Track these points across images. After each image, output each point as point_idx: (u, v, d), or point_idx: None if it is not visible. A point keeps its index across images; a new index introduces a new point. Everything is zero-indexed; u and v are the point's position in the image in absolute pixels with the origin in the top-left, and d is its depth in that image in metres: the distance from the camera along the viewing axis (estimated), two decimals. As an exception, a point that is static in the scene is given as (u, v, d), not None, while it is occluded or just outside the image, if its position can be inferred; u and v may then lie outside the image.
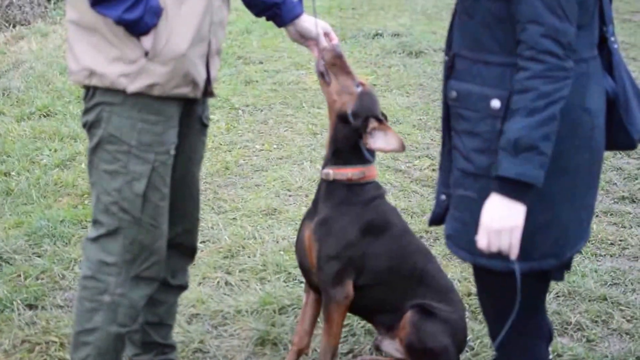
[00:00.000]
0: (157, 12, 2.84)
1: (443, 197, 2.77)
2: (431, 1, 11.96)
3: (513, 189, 2.46)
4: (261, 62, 8.56)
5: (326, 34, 3.40)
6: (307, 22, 3.37)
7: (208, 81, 3.07)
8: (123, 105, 2.94)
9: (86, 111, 3.01)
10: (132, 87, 2.89)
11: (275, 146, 6.50)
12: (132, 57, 2.87)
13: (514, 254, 2.48)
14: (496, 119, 2.53)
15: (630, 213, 5.32)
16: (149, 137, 2.96)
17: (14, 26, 10.34)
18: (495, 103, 2.53)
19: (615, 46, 2.73)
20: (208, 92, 3.11)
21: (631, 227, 5.12)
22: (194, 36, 2.91)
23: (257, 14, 3.37)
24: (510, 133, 2.44)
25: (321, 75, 3.35)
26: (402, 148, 3.30)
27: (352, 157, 3.34)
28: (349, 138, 3.32)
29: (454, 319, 3.41)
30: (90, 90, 2.97)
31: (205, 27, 2.96)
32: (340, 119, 3.32)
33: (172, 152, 3.03)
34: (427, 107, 7.41)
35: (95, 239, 3.07)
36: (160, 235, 3.10)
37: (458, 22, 2.70)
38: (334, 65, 3.33)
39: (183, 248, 3.39)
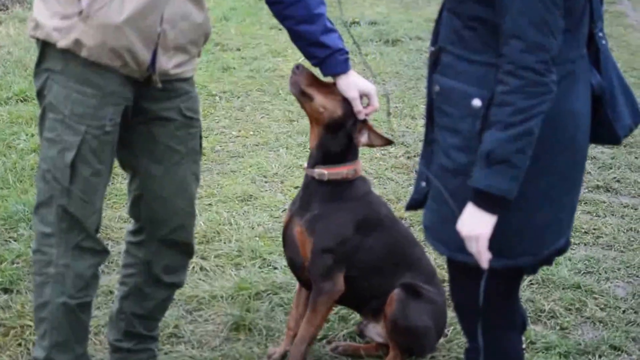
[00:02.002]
0: None
1: (423, 184, 2.78)
2: (408, -11, 11.99)
3: (483, 199, 2.48)
4: (238, 49, 8.55)
5: (367, 96, 3.37)
6: (347, 82, 3.35)
7: (153, 70, 3.04)
8: (62, 74, 2.97)
9: (35, 75, 3.08)
10: (62, 42, 2.92)
11: (251, 133, 6.51)
12: (68, 13, 2.91)
13: (482, 260, 2.51)
14: (476, 118, 2.54)
15: (604, 202, 5.37)
16: (81, 108, 2.99)
17: (-8, 11, 10.31)
18: (477, 102, 2.53)
19: (604, 42, 2.73)
20: (152, 80, 3.07)
21: (605, 216, 5.17)
22: (132, 14, 2.91)
23: (306, 58, 3.40)
24: (485, 144, 2.45)
25: (302, 94, 3.36)
26: (391, 142, 3.47)
27: (343, 155, 3.39)
28: (340, 140, 3.36)
29: (438, 302, 3.47)
30: (39, 50, 3.03)
31: (152, 12, 2.94)
32: (330, 127, 3.35)
33: (109, 128, 3.04)
34: (403, 95, 7.43)
35: (35, 209, 3.12)
36: (92, 211, 3.10)
37: (445, 17, 2.69)
38: (311, 85, 3.35)
39: (177, 245, 3.38)
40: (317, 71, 3.38)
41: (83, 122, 2.98)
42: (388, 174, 5.74)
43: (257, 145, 6.26)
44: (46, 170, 3.04)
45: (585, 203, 5.31)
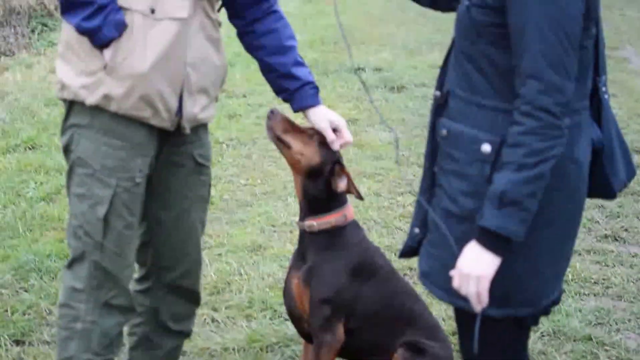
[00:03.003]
0: (119, 26, 2.90)
1: (417, 230, 2.78)
2: (412, 36, 12.00)
3: (490, 240, 2.47)
4: (244, 96, 8.58)
5: (337, 128, 3.36)
6: (318, 114, 3.36)
7: (180, 116, 3.08)
8: (90, 128, 3.00)
9: (62, 132, 3.10)
10: (90, 99, 2.96)
11: (259, 181, 6.51)
12: (93, 69, 2.94)
13: (482, 302, 2.51)
14: (486, 163, 2.54)
15: (613, 252, 5.34)
16: (112, 161, 3.01)
17: (-1, 57, 10.36)
18: (486, 147, 2.54)
19: (606, 96, 2.75)
20: (181, 127, 3.11)
21: (614, 266, 5.15)
22: (157, 60, 2.94)
23: (275, 92, 3.41)
24: (498, 185, 2.45)
25: (278, 140, 3.34)
26: (361, 198, 3.44)
27: (329, 203, 3.37)
28: (322, 187, 3.34)
29: (443, 356, 3.44)
30: (65, 108, 3.06)
31: (175, 56, 2.98)
32: (310, 174, 3.34)
33: (139, 180, 3.07)
34: (409, 142, 7.43)
35: (68, 265, 3.13)
36: (126, 265, 3.12)
37: (454, 60, 2.70)
38: (286, 131, 3.34)
39: (184, 291, 3.39)
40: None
41: (114, 175, 3.01)
42: (396, 223, 5.73)
43: (265, 193, 6.26)
44: (77, 227, 3.05)
45: (594, 253, 5.29)
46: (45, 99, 8.22)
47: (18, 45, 10.86)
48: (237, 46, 3.42)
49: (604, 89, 2.73)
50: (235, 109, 8.27)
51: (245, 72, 9.15)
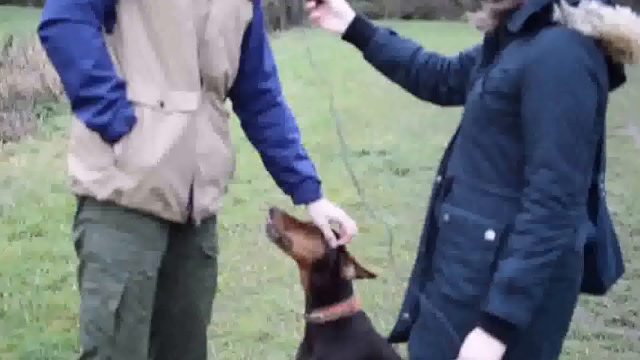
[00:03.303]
0: (129, 121, 2.93)
1: (406, 315, 2.79)
2: (416, 118, 12.06)
3: (497, 327, 2.48)
4: (249, 181, 8.60)
5: (337, 223, 3.39)
6: (317, 209, 3.39)
7: (191, 208, 3.09)
8: (102, 223, 3.01)
9: (74, 227, 3.10)
10: (101, 193, 2.97)
11: (265, 267, 6.49)
12: (104, 164, 2.96)
13: None
14: (489, 250, 2.56)
15: (622, 336, 5.32)
16: (123, 255, 3.01)
17: (4, 142, 10.38)
18: (490, 234, 2.56)
19: (604, 194, 2.78)
20: (191, 219, 3.13)
21: (624, 351, 5.13)
22: (167, 153, 2.97)
23: (277, 184, 3.47)
24: (505, 272, 2.46)
25: (279, 240, 3.34)
26: (374, 275, 3.40)
27: (336, 294, 3.35)
28: (328, 278, 3.32)
29: None
30: (77, 203, 3.08)
31: (185, 149, 3.01)
32: (316, 267, 3.32)
33: (150, 273, 3.07)
34: (415, 227, 7.37)
35: None
36: (139, 359, 3.10)
37: (461, 146, 2.74)
38: (288, 228, 3.34)
39: None
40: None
41: (125, 269, 3.01)
42: (404, 309, 5.67)
43: (271, 280, 6.23)
44: (89, 322, 3.04)
45: (603, 337, 5.27)
46: (51, 185, 8.25)
47: (23, 130, 10.91)
48: (241, 130, 3.45)
49: (602, 185, 2.77)
50: (241, 194, 8.28)
51: (251, 157, 8.84)
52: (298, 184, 3.39)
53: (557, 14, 2.53)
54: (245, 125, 3.42)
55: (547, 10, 2.55)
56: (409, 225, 7.45)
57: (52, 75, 12.05)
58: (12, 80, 12.20)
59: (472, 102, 2.71)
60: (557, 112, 2.47)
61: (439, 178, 2.82)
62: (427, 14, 43.21)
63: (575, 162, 2.48)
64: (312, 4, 3.14)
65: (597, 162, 2.72)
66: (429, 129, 11.44)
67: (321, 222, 3.34)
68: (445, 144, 2.85)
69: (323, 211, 3.37)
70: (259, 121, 3.38)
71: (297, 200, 3.42)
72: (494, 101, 2.60)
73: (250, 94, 3.37)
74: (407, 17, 43.04)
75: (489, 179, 2.62)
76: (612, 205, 7.78)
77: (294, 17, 31.50)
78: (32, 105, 11.94)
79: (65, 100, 11.67)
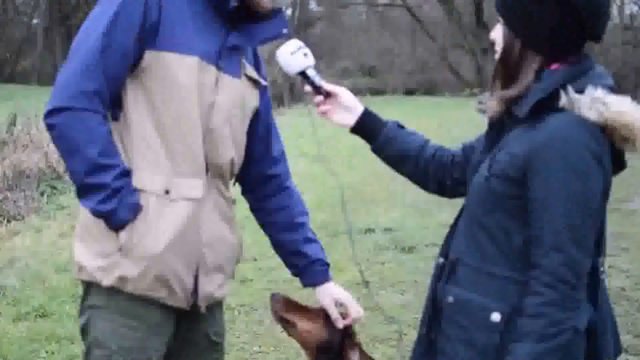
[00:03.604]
0: (134, 208, 2.91)
1: None
2: (422, 195, 11.82)
3: None
4: (255, 259, 8.56)
5: (343, 305, 3.38)
6: (324, 292, 3.39)
7: (196, 295, 3.08)
8: (107, 310, 2.98)
9: (80, 313, 3.08)
10: (106, 280, 2.94)
11: (272, 348, 6.42)
12: (109, 251, 2.94)
13: None
14: (494, 332, 2.57)
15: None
16: (129, 342, 2.98)
17: (9, 221, 10.38)
18: (496, 316, 2.58)
19: (603, 277, 2.78)
20: (197, 306, 3.11)
21: None
22: (172, 241, 2.95)
23: (286, 266, 3.47)
24: (518, 356, 2.47)
25: (282, 320, 3.33)
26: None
27: None
28: None
29: None
30: (83, 289, 3.06)
31: (190, 236, 3.00)
32: (320, 350, 3.30)
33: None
34: (422, 305, 7.35)
35: None
36: None
37: (465, 228, 2.75)
38: (290, 311, 3.33)
39: None
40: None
41: (130, 356, 2.98)
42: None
43: (278, 361, 6.13)
44: None
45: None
46: (56, 265, 8.22)
47: (27, 209, 10.91)
48: (246, 209, 3.44)
49: (601, 269, 2.77)
50: (246, 273, 8.23)
51: (256, 235, 8.91)
52: (306, 267, 3.40)
53: (563, 100, 2.58)
54: (254, 209, 3.44)
55: (554, 96, 2.60)
56: (417, 303, 7.38)
57: (56, 154, 12.07)
58: (16, 159, 12.25)
59: (478, 185, 2.73)
60: (566, 196, 2.50)
61: (441, 260, 2.85)
62: (430, 89, 43.56)
63: (584, 245, 2.51)
64: (320, 97, 3.16)
65: (598, 246, 2.73)
66: (434, 206, 11.42)
67: (327, 303, 3.33)
68: (451, 221, 2.88)
69: (330, 293, 3.36)
70: (268, 206, 3.40)
71: (305, 283, 3.43)
72: (499, 184, 2.63)
73: (259, 179, 3.39)
74: (409, 92, 43.39)
75: (494, 261, 2.64)
76: (619, 281, 7.77)
77: (298, 94, 31.73)
78: (36, 184, 11.96)
79: (69, 178, 11.69)
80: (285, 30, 3.21)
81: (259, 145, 3.36)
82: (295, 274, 3.46)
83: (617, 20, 45.55)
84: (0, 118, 14.75)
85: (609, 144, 2.61)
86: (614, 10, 44.88)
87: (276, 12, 3.21)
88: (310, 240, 3.42)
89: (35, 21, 49.72)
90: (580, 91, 2.59)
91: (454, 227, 2.87)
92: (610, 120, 2.55)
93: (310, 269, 3.39)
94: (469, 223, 2.76)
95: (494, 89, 2.78)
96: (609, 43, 41.88)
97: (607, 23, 2.72)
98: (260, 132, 3.35)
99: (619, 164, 2.71)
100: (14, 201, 10.96)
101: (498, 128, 2.81)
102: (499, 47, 2.78)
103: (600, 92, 2.58)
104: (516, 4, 2.70)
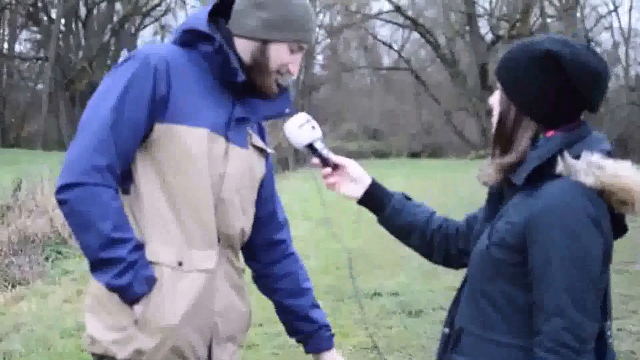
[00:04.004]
0: (149, 281, 2.91)
1: None
2: (428, 259, 11.98)
3: None
4: (261, 324, 8.48)
5: None
6: (330, 357, 3.45)
7: None
8: None
9: None
10: (121, 354, 2.92)
11: (279, 414, 6.35)
12: (124, 324, 2.92)
13: None
14: None
15: None
16: None
17: (14, 286, 10.34)
18: None
19: (610, 340, 2.77)
20: None
21: None
22: (187, 312, 2.95)
23: (288, 333, 3.49)
24: None
25: None
26: None
27: None
28: None
29: None
30: None
31: (204, 307, 3.00)
32: None
33: None
34: (430, 370, 7.34)
35: None
36: None
37: (468, 297, 2.76)
38: None
39: None
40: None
41: None
42: None
43: None
44: None
45: None
46: (61, 330, 8.17)
47: (32, 274, 10.87)
48: (250, 272, 3.44)
49: (608, 332, 2.76)
50: (253, 338, 8.15)
51: (261, 300, 8.94)
52: (313, 333, 3.41)
53: (560, 167, 2.60)
54: (257, 277, 3.46)
55: (551, 163, 2.62)
56: (424, 368, 7.35)
57: (61, 219, 12.07)
58: (21, 224, 12.23)
59: (479, 254, 2.75)
60: (566, 261, 2.51)
61: (447, 330, 2.84)
62: (435, 152, 43.72)
63: (586, 309, 2.50)
64: (328, 169, 3.17)
65: (604, 310, 2.72)
66: (440, 269, 11.22)
67: None
68: (458, 284, 2.90)
69: None
70: (274, 272, 3.41)
71: (311, 349, 3.44)
72: (499, 252, 2.65)
73: (265, 246, 3.40)
74: (415, 155, 43.54)
75: (498, 329, 2.65)
76: (628, 344, 7.72)
77: (302, 158, 31.83)
78: (41, 248, 11.94)
79: (74, 243, 11.67)
80: (288, 110, 3.25)
81: (264, 211, 3.38)
82: (300, 341, 3.46)
83: (622, 82, 45.85)
84: (6, 183, 14.77)
85: (607, 208, 2.61)
86: (620, 72, 45.16)
87: (282, 91, 3.24)
88: (316, 306, 3.45)
89: (39, 86, 50.09)
90: (577, 157, 2.61)
91: (457, 296, 2.88)
92: (608, 184, 2.56)
93: (317, 335, 3.39)
94: (471, 292, 2.77)
95: (493, 157, 2.80)
96: (615, 104, 42.14)
97: (604, 94, 2.74)
98: (265, 197, 3.37)
99: (620, 228, 2.71)
100: (19, 266, 10.93)
101: (498, 197, 2.85)
102: (496, 111, 2.81)
103: (596, 157, 2.59)
104: (513, 70, 2.73)
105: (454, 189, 23.63)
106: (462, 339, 2.74)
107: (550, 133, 2.71)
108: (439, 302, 9.48)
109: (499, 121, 2.79)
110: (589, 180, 2.56)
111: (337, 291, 9.94)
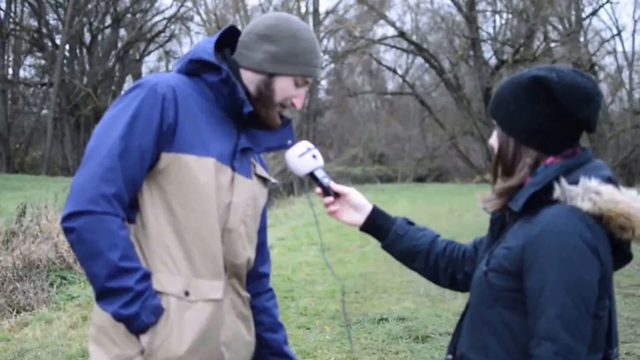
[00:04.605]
0: (157, 311, 2.89)
1: None
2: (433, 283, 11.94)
3: None
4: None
5: None
6: None
7: None
8: None
9: None
10: None
11: None
12: (130, 354, 2.89)
13: None
14: None
15: None
16: None
17: (18, 312, 10.31)
18: None
19: None
20: None
21: None
22: (193, 342, 2.92)
23: None
24: None
25: None
26: None
27: None
28: None
29: None
30: None
31: (210, 337, 2.98)
32: None
33: None
34: (437, 395, 7.29)
35: None
36: None
37: (467, 324, 2.79)
38: None
39: None
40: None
41: None
42: None
43: None
44: None
45: None
46: (66, 356, 8.13)
47: (37, 300, 10.83)
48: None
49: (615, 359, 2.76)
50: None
51: None
52: None
53: (557, 193, 2.62)
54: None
55: (549, 190, 2.64)
56: (432, 394, 7.30)
57: (65, 244, 12.05)
58: (26, 249, 12.20)
59: (477, 280, 2.78)
60: (560, 287, 2.51)
61: (450, 357, 2.88)
62: (440, 176, 43.77)
63: (579, 335, 2.51)
64: (330, 198, 3.17)
65: (609, 337, 2.72)
66: (447, 294, 11.35)
67: None
68: (464, 309, 2.88)
69: None
70: (256, 304, 3.41)
71: None
72: (497, 278, 2.68)
73: (252, 277, 3.39)
74: (420, 179, 43.58)
75: (495, 355, 2.67)
76: (638, 370, 7.67)
77: (307, 183, 31.86)
78: (45, 274, 11.90)
79: (79, 268, 11.64)
80: (290, 142, 3.26)
81: (258, 241, 3.38)
82: None
83: (626, 105, 45.94)
84: (10, 208, 14.77)
85: (608, 234, 2.61)
86: (624, 95, 45.24)
87: (284, 123, 3.23)
88: (287, 342, 3.48)
89: (44, 112, 50.21)
90: (575, 182, 2.62)
91: (459, 323, 2.90)
92: (606, 210, 2.57)
93: None
94: (471, 319, 2.79)
95: (494, 183, 2.83)
96: (619, 127, 42.18)
97: (598, 112, 2.74)
98: (260, 228, 3.38)
99: (623, 255, 2.71)
100: (24, 292, 10.90)
101: (500, 224, 2.86)
102: (495, 146, 2.83)
103: (593, 182, 2.60)
104: (505, 105, 2.76)
105: (459, 212, 23.63)
106: (463, 364, 2.76)
107: (550, 160, 2.72)
108: (446, 328, 9.44)
109: (499, 154, 2.81)
110: (585, 205, 2.56)
111: (343, 317, 9.89)
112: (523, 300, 2.60)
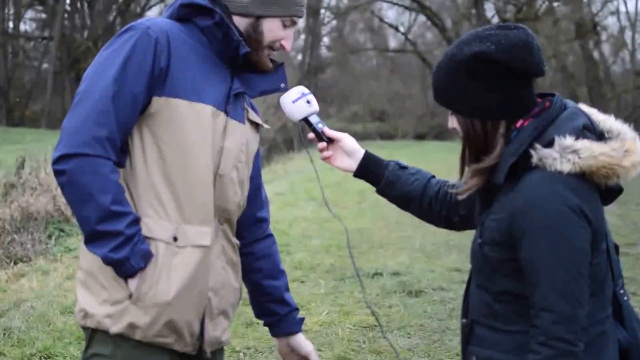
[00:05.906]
0: (146, 256, 2.89)
1: None
2: (429, 239, 12.01)
3: None
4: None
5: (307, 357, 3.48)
6: (300, 340, 3.47)
7: (202, 339, 3.06)
8: (113, 358, 2.95)
9: None
10: (115, 327, 2.91)
11: (277, 391, 6.37)
12: (118, 298, 2.91)
13: None
14: None
15: None
16: None
17: (15, 263, 10.36)
18: None
19: (625, 298, 2.79)
20: (202, 351, 3.09)
21: None
22: (182, 288, 2.93)
23: (257, 315, 3.50)
24: None
25: None
26: None
27: None
28: None
29: None
30: (86, 337, 3.02)
31: (198, 282, 2.98)
32: None
33: None
34: (428, 348, 7.32)
35: None
36: None
37: (473, 291, 2.80)
38: None
39: None
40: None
41: None
42: None
43: (282, 404, 6.09)
44: None
45: None
46: (61, 307, 8.18)
47: (34, 252, 10.88)
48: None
49: (622, 291, 2.79)
50: (252, 316, 8.10)
51: None
52: (286, 315, 3.44)
53: (535, 159, 2.60)
54: (243, 254, 3.39)
55: (526, 155, 2.63)
56: (423, 346, 7.35)
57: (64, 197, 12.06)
58: (24, 202, 12.23)
59: (474, 252, 2.80)
60: (550, 258, 2.53)
61: (464, 321, 2.88)
62: (441, 134, 43.61)
63: (574, 300, 2.52)
64: (323, 144, 3.19)
65: (611, 272, 2.75)
66: (442, 249, 11.39)
67: (309, 349, 3.45)
68: (458, 265, 2.98)
69: (303, 345, 3.46)
70: (255, 251, 3.41)
71: (282, 332, 3.47)
72: (492, 250, 2.69)
73: (249, 223, 3.39)
74: (420, 137, 43.45)
75: (504, 319, 2.68)
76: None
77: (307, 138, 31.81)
78: (43, 226, 11.94)
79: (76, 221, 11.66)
80: (283, 85, 3.25)
81: (252, 187, 3.36)
82: (270, 323, 3.48)
83: (628, 66, 45.71)
84: (9, 161, 14.77)
85: (592, 187, 2.62)
86: (626, 56, 45.04)
87: (277, 66, 3.23)
88: (288, 289, 3.48)
89: (45, 66, 49.98)
90: (551, 142, 2.60)
91: (467, 286, 2.91)
92: (586, 166, 2.57)
93: (290, 317, 3.43)
94: (475, 287, 2.81)
95: (470, 164, 2.82)
96: (621, 88, 42.04)
97: (541, 54, 2.72)
98: (254, 173, 3.36)
99: (615, 191, 2.71)
100: (22, 243, 10.94)
101: (487, 194, 2.83)
102: (461, 131, 2.81)
103: (568, 140, 2.58)
104: (455, 91, 2.75)
105: (457, 170, 23.59)
106: (475, 329, 2.80)
107: (520, 123, 2.71)
108: (439, 283, 9.50)
109: (468, 137, 2.79)
110: (565, 167, 2.56)
111: (338, 271, 9.97)
112: (520, 268, 2.61)
